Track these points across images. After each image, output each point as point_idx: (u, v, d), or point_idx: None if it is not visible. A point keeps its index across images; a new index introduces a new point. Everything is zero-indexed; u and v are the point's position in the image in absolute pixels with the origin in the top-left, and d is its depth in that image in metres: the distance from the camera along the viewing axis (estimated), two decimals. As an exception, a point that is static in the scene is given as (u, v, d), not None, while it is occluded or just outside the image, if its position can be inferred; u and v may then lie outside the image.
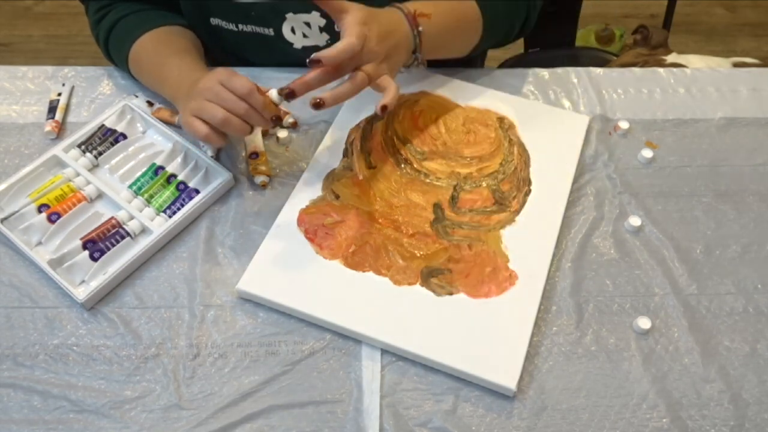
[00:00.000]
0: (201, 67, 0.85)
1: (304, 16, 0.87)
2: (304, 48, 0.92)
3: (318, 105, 0.73)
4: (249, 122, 0.76)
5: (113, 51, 0.92)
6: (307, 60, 0.72)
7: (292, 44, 0.91)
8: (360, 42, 0.73)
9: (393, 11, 0.82)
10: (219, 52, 0.97)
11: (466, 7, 0.87)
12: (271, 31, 0.90)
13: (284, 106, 0.91)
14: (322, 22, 0.88)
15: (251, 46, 0.93)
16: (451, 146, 0.88)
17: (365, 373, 0.72)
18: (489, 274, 0.77)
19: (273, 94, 0.76)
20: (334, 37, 0.90)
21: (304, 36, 0.90)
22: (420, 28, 0.81)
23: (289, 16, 0.87)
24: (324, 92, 0.73)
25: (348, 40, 0.72)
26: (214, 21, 0.90)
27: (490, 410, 0.70)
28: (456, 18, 0.86)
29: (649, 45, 1.33)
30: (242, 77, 0.75)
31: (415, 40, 0.82)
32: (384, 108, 0.75)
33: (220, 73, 0.76)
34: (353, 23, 0.73)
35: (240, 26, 0.89)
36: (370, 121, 0.90)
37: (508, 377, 0.70)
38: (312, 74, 0.73)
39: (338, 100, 0.74)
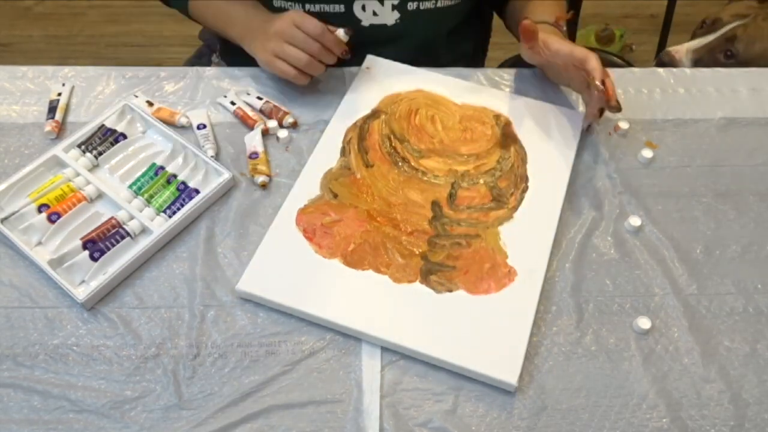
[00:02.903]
0: (265, 9, 0.89)
1: None
2: (372, 26, 0.94)
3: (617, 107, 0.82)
4: (322, 61, 0.85)
5: None
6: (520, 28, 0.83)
7: (360, 21, 0.93)
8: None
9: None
10: None
11: None
12: (341, 8, 0.92)
13: (285, 107, 0.92)
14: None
15: None
16: (448, 144, 0.88)
17: (365, 373, 0.72)
18: (488, 271, 0.77)
19: (341, 33, 0.85)
20: (405, 15, 0.93)
21: (374, 14, 0.92)
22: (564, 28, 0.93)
23: None
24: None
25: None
26: (277, 3, 0.92)
27: (490, 410, 0.70)
28: None
29: None
30: (313, 19, 0.83)
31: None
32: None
33: (294, 15, 0.83)
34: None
35: (307, 6, 0.91)
36: (367, 120, 0.90)
37: (508, 373, 0.70)
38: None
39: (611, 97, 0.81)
